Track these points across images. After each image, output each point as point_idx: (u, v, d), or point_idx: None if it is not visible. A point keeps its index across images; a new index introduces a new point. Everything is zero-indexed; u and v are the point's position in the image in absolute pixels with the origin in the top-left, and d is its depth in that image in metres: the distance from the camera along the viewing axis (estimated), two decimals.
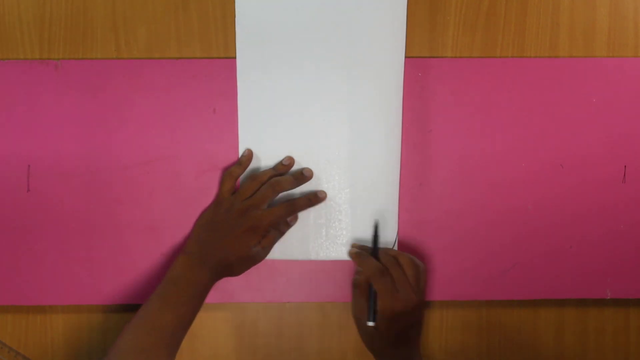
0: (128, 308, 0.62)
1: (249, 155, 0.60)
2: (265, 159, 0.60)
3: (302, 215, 0.60)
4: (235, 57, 0.60)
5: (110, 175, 0.60)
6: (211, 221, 0.58)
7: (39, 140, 0.60)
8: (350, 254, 0.60)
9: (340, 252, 0.60)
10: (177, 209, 0.61)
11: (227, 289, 0.61)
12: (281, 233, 0.60)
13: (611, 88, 0.61)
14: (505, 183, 0.61)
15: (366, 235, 0.60)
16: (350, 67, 0.59)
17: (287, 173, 0.60)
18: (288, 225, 0.60)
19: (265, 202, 0.57)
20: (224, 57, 0.60)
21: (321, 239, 0.60)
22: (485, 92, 0.61)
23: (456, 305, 0.63)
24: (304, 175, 0.59)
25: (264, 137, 0.60)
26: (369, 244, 0.60)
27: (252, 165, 0.60)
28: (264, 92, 0.59)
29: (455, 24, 0.62)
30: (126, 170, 0.60)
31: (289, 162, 0.59)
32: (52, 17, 0.61)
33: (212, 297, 0.61)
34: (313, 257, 0.61)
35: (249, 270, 0.61)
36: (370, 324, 0.55)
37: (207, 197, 0.61)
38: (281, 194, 0.59)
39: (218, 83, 0.60)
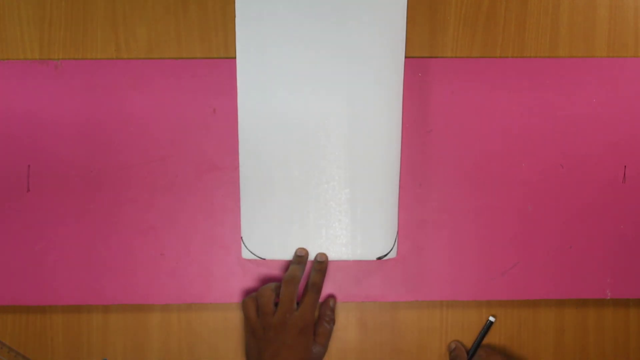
0: (128, 308, 0.62)
1: (272, 288, 0.58)
2: (265, 159, 0.60)
3: (302, 215, 0.60)
4: (235, 57, 0.60)
5: (110, 175, 0.60)
6: (259, 349, 0.55)
7: (39, 140, 0.60)
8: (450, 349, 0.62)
9: (340, 252, 0.60)
10: (177, 209, 0.61)
11: (227, 289, 0.61)
12: (329, 322, 0.59)
13: (611, 88, 0.61)
14: (505, 183, 0.61)
15: (364, 236, 0.60)
16: (350, 68, 0.59)
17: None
18: (331, 309, 0.60)
19: (294, 301, 0.56)
20: (224, 57, 0.60)
21: (321, 239, 0.60)
22: (485, 92, 0.61)
23: (456, 305, 0.63)
24: (318, 262, 0.59)
25: (264, 137, 0.60)
26: (368, 245, 0.60)
27: (252, 167, 0.60)
28: (264, 92, 0.59)
29: (455, 24, 0.62)
30: (126, 170, 0.60)
31: (303, 252, 0.60)
32: (52, 17, 0.61)
33: (212, 297, 0.61)
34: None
35: (249, 271, 0.61)
36: None
37: (207, 197, 0.61)
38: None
39: (218, 83, 0.60)
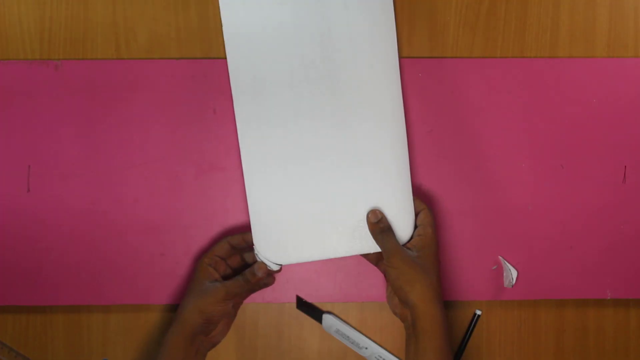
0: (128, 308, 0.62)
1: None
2: (269, 164, 0.58)
3: (317, 215, 0.57)
4: None
5: (110, 175, 0.60)
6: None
7: (39, 140, 0.60)
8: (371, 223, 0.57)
9: (362, 245, 0.58)
10: (177, 209, 0.61)
11: None
12: (245, 281, 0.56)
13: (611, 88, 0.61)
14: (505, 183, 0.61)
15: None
16: (343, 64, 0.58)
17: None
18: (253, 275, 0.56)
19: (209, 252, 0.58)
20: (224, 57, 0.60)
21: (340, 234, 0.58)
22: (485, 92, 0.61)
23: (456, 305, 0.63)
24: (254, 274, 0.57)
25: (265, 138, 0.58)
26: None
27: (257, 173, 0.58)
28: (260, 95, 0.58)
29: (455, 24, 0.62)
30: (126, 170, 0.60)
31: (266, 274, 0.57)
32: (52, 17, 0.61)
33: None
34: (331, 255, 0.58)
35: None
36: None
37: (207, 197, 0.61)
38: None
39: (218, 83, 0.60)
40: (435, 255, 0.56)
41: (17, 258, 0.60)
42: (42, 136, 0.60)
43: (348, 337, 0.61)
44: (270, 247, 0.58)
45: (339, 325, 0.61)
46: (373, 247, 0.58)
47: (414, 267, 0.53)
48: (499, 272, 0.62)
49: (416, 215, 0.58)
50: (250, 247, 0.58)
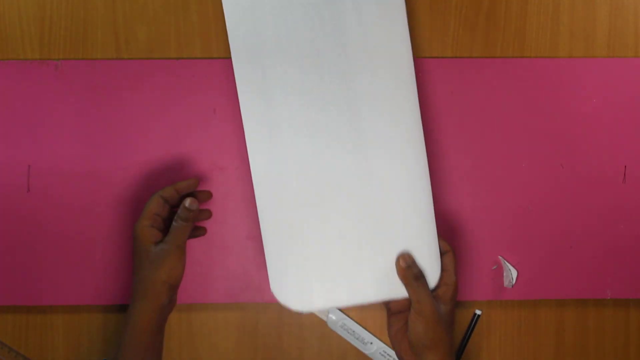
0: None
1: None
2: (285, 198, 0.55)
3: (337, 259, 0.54)
4: None
5: (110, 175, 0.60)
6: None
7: (39, 140, 0.60)
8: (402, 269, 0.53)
9: (389, 291, 0.54)
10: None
11: (227, 289, 0.61)
12: (185, 221, 0.53)
13: (611, 88, 0.61)
14: (505, 183, 0.61)
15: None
16: (355, 70, 0.55)
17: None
18: (189, 211, 0.53)
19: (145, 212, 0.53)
20: (224, 57, 0.60)
21: (365, 280, 0.54)
22: (485, 92, 0.61)
23: (456, 305, 0.62)
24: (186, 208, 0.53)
25: (269, 140, 0.55)
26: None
27: (273, 214, 0.55)
28: (265, 95, 0.55)
29: (455, 24, 0.62)
30: (126, 170, 0.60)
31: (194, 207, 0.54)
32: (52, 17, 0.61)
33: (212, 297, 0.61)
34: (360, 300, 0.54)
35: (249, 271, 0.61)
36: None
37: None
38: None
39: (218, 83, 0.60)
40: (455, 306, 0.54)
41: (17, 258, 0.60)
42: (42, 136, 0.60)
43: (354, 331, 0.61)
44: (291, 293, 0.54)
45: (345, 320, 0.61)
46: (403, 292, 0.54)
47: (440, 325, 0.51)
48: (499, 272, 0.62)
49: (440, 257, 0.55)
50: (182, 196, 0.56)
